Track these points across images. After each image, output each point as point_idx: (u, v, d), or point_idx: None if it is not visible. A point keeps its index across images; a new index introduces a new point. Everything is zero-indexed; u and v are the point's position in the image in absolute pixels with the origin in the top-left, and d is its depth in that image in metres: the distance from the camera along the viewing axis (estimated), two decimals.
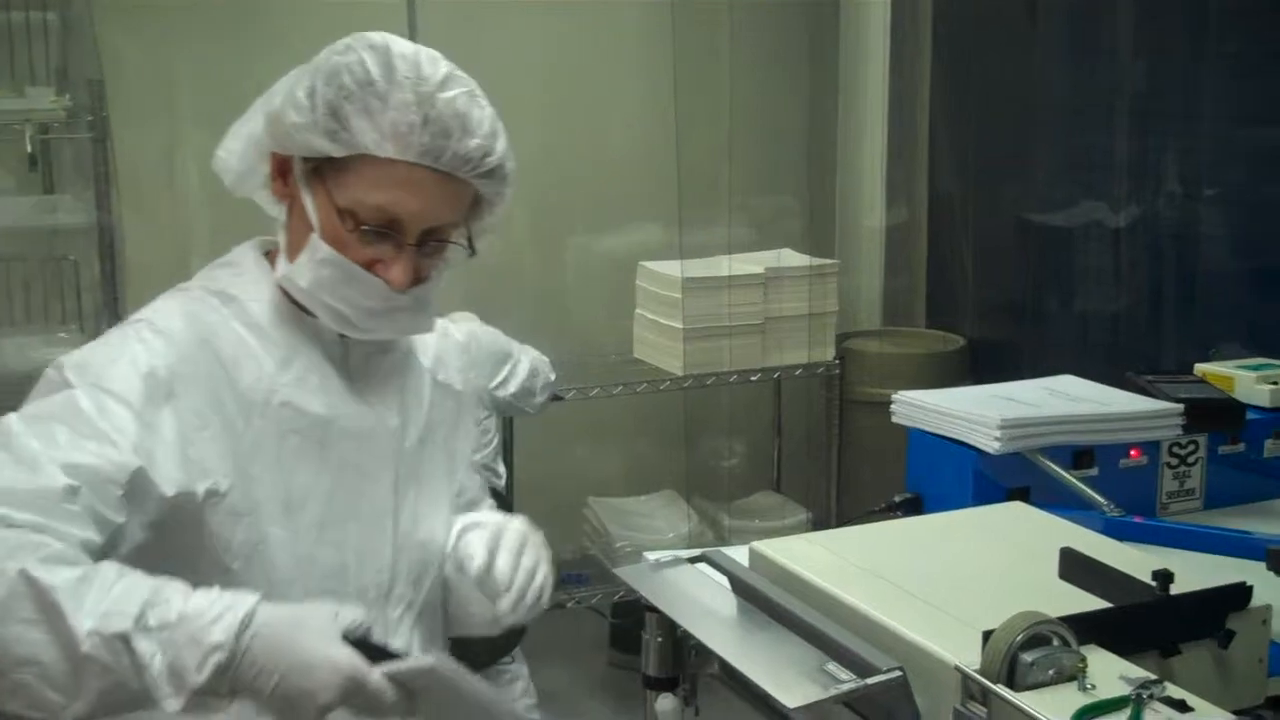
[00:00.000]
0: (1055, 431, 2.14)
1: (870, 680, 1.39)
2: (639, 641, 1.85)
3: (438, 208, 1.61)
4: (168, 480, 1.51)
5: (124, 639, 1.35)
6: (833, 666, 1.43)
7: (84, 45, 3.28)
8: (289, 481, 1.62)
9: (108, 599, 1.37)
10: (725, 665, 1.86)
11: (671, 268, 4.18)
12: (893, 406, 2.30)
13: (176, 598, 1.39)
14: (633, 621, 4.34)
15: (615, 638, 4.58)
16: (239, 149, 1.69)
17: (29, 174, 3.38)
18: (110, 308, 3.07)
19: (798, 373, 4.39)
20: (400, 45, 1.62)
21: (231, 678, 1.37)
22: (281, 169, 1.64)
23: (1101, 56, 4.15)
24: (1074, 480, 2.09)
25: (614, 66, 4.65)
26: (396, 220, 1.59)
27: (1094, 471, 2.15)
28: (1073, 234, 4.30)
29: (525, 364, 3.38)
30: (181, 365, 1.56)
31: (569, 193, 4.68)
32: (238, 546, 1.58)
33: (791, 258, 4.39)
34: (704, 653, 1.84)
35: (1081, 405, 2.23)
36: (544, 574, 1.75)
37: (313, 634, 1.40)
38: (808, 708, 1.41)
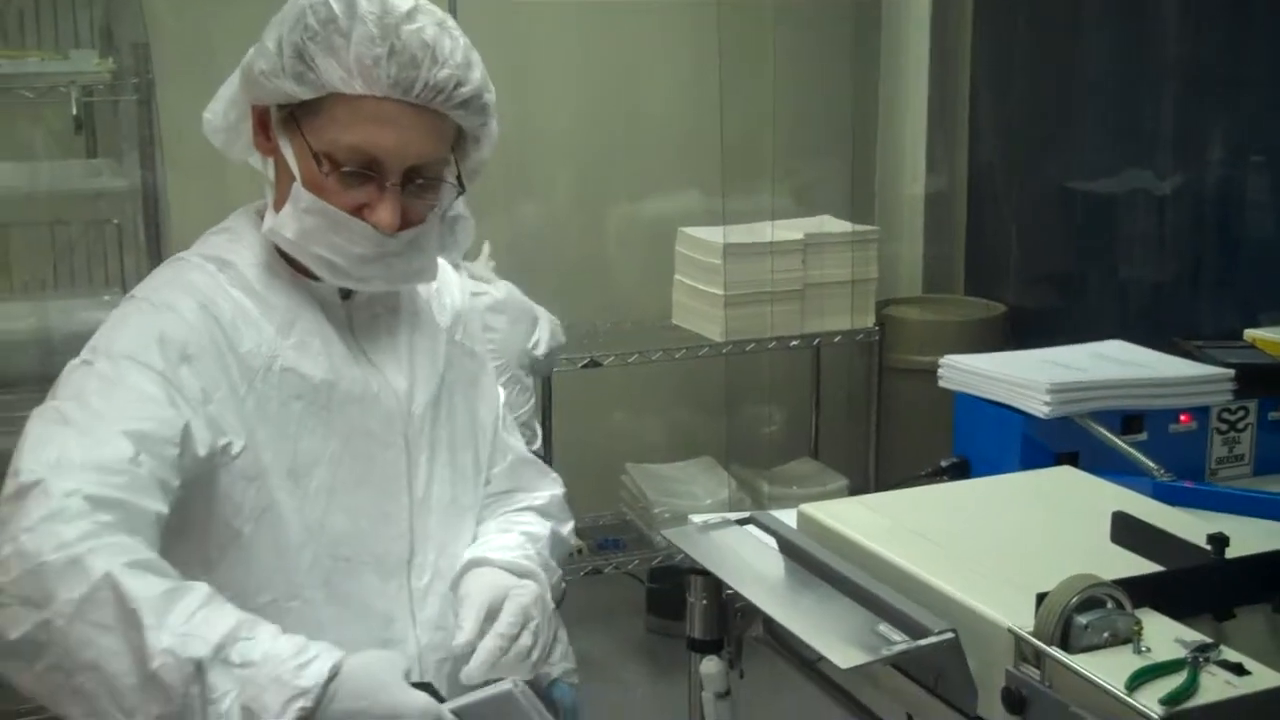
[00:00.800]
0: (1105, 396, 2.12)
1: (922, 641, 1.38)
2: (676, 606, 1.85)
3: (415, 143, 1.57)
4: (201, 439, 1.50)
5: (198, 666, 1.30)
6: (884, 628, 1.43)
7: (128, 7, 3.28)
8: (295, 448, 1.59)
9: (190, 621, 1.32)
10: (771, 627, 1.87)
11: (712, 234, 4.17)
12: (940, 370, 2.28)
13: (264, 635, 1.35)
14: (670, 586, 4.35)
15: (652, 603, 4.58)
16: (222, 109, 1.67)
17: (74, 137, 3.39)
18: None
19: (837, 339, 4.38)
20: None
21: None
22: (261, 122, 1.62)
23: (1146, 21, 4.10)
24: (1124, 445, 2.07)
25: (657, 33, 4.62)
26: (375, 160, 1.56)
27: (1143, 437, 2.14)
28: (1116, 201, 4.26)
29: (546, 325, 3.38)
30: (189, 332, 1.54)
31: (610, 159, 4.67)
32: (249, 510, 1.56)
33: (832, 224, 4.37)
34: (749, 615, 1.85)
35: (1131, 370, 2.21)
36: (536, 650, 1.63)
37: (390, 682, 1.37)
38: (860, 668, 1.41)
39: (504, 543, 1.73)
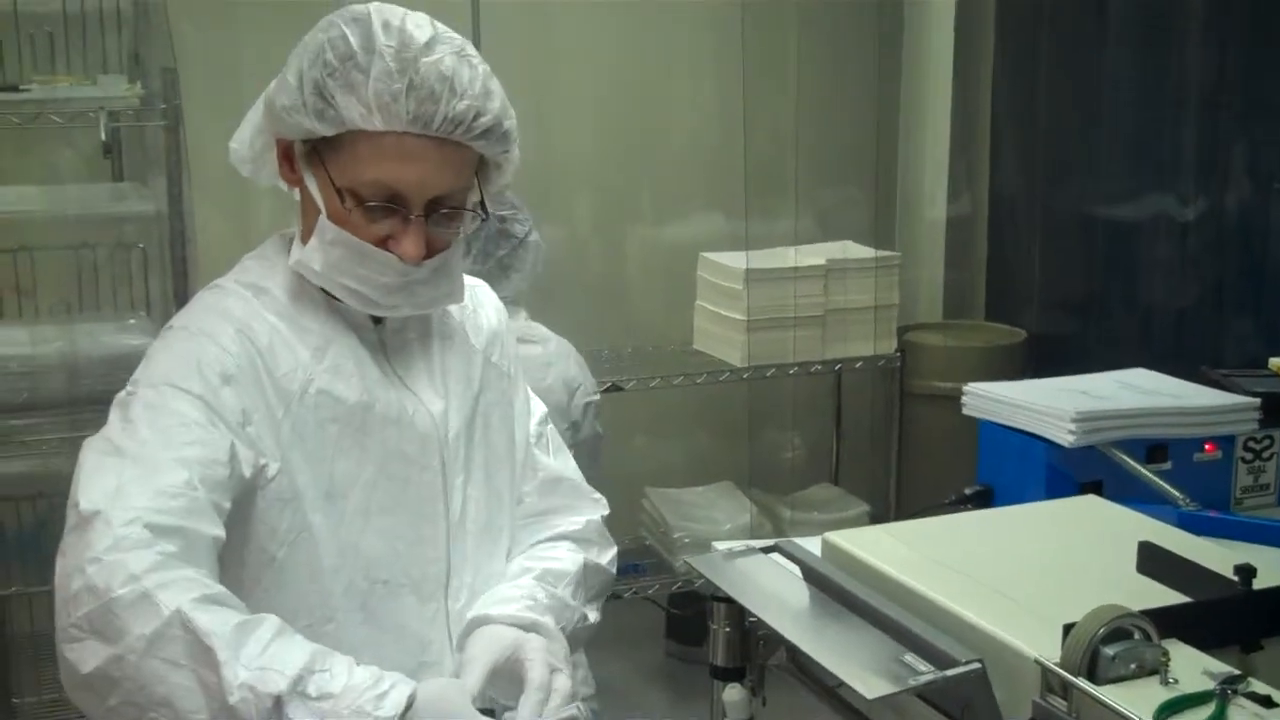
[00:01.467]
0: (1130, 425, 2.12)
1: (949, 672, 1.38)
2: (696, 632, 1.84)
3: (437, 175, 1.57)
4: (245, 459, 1.52)
5: (277, 700, 1.31)
6: (910, 658, 1.42)
7: (157, 33, 3.30)
8: (330, 470, 1.60)
9: (264, 655, 1.33)
10: (794, 655, 1.86)
11: (734, 259, 4.17)
12: (964, 398, 2.28)
13: (340, 668, 1.36)
14: (690, 612, 4.35)
15: (672, 628, 4.57)
16: (248, 138, 1.68)
17: (101, 161, 3.41)
18: (181, 295, 3.08)
19: (859, 365, 4.38)
20: (385, 13, 1.58)
21: None
22: (286, 154, 1.63)
23: (1170, 47, 4.09)
24: (1149, 474, 2.07)
25: (680, 57, 4.64)
26: (398, 193, 1.56)
27: (1167, 466, 2.13)
28: (1139, 227, 4.24)
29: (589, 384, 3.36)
30: (227, 357, 1.56)
31: (631, 182, 4.68)
32: (283, 533, 1.57)
33: (854, 250, 4.37)
34: (771, 643, 1.84)
35: (1156, 399, 2.21)
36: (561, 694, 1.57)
37: (463, 708, 1.39)
38: (886, 699, 1.41)
39: (508, 594, 1.70)
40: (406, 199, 1.57)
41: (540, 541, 1.81)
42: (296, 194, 1.66)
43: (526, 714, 1.53)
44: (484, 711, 1.42)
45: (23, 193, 3.44)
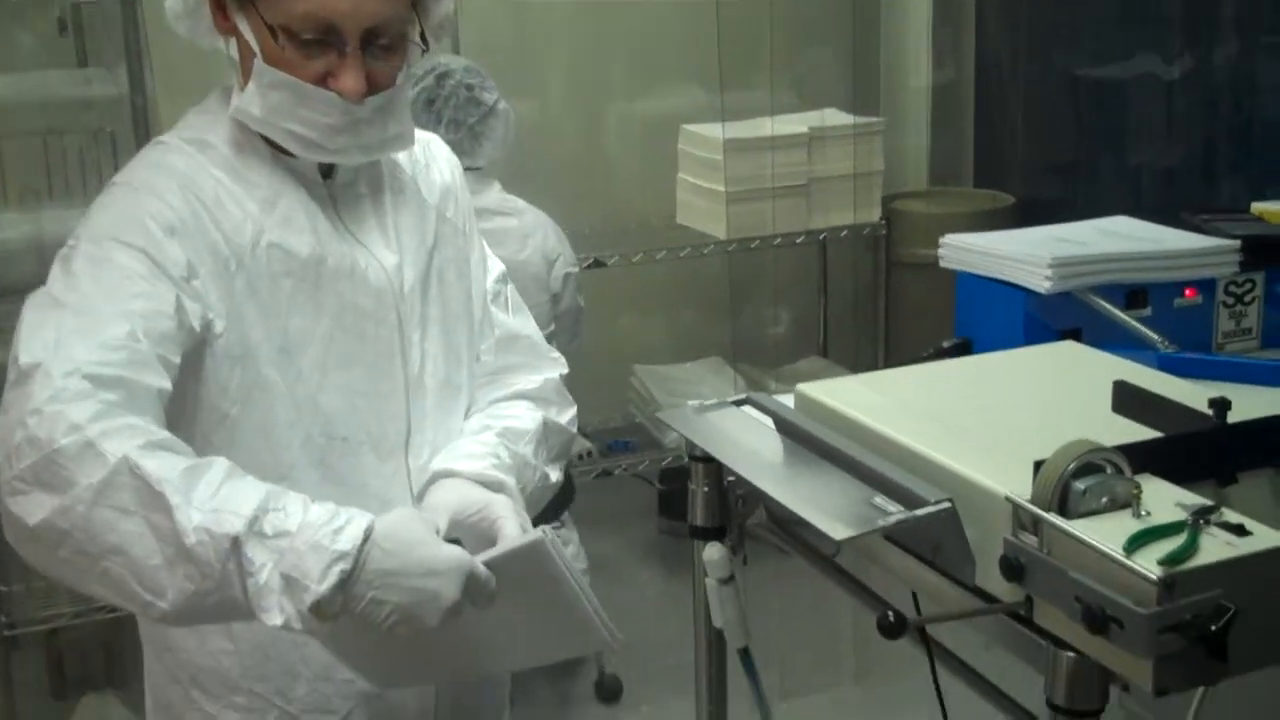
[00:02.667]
0: (1108, 270, 2.08)
1: (918, 512, 1.36)
2: (687, 507, 1.83)
3: (370, 3, 1.52)
4: (192, 311, 1.49)
5: (234, 541, 1.29)
6: (880, 500, 1.41)
7: None
8: (285, 325, 1.57)
9: (217, 497, 1.31)
10: (772, 511, 1.85)
11: (715, 130, 4.12)
12: (940, 250, 2.24)
13: (295, 506, 1.33)
14: (681, 488, 4.35)
15: (664, 504, 4.59)
16: None
17: (60, 41, 3.34)
18: None
19: (843, 234, 4.34)
20: None
21: (347, 594, 1.31)
22: (218, 1, 1.58)
23: None
24: (1127, 319, 2.04)
25: None
26: (331, 25, 1.52)
27: (1147, 312, 2.10)
28: (1125, 87, 4.19)
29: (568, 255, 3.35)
30: (170, 212, 1.53)
31: (607, 56, 4.60)
32: (235, 390, 1.55)
33: (835, 117, 4.31)
34: (751, 501, 1.83)
35: (1135, 243, 2.17)
36: None
37: (423, 539, 1.36)
38: (856, 540, 1.39)
39: (472, 449, 1.67)
40: (340, 30, 1.53)
41: (498, 400, 1.79)
42: (232, 45, 1.60)
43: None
44: (450, 542, 1.40)
45: None
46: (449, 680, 1.71)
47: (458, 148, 2.99)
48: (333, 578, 1.29)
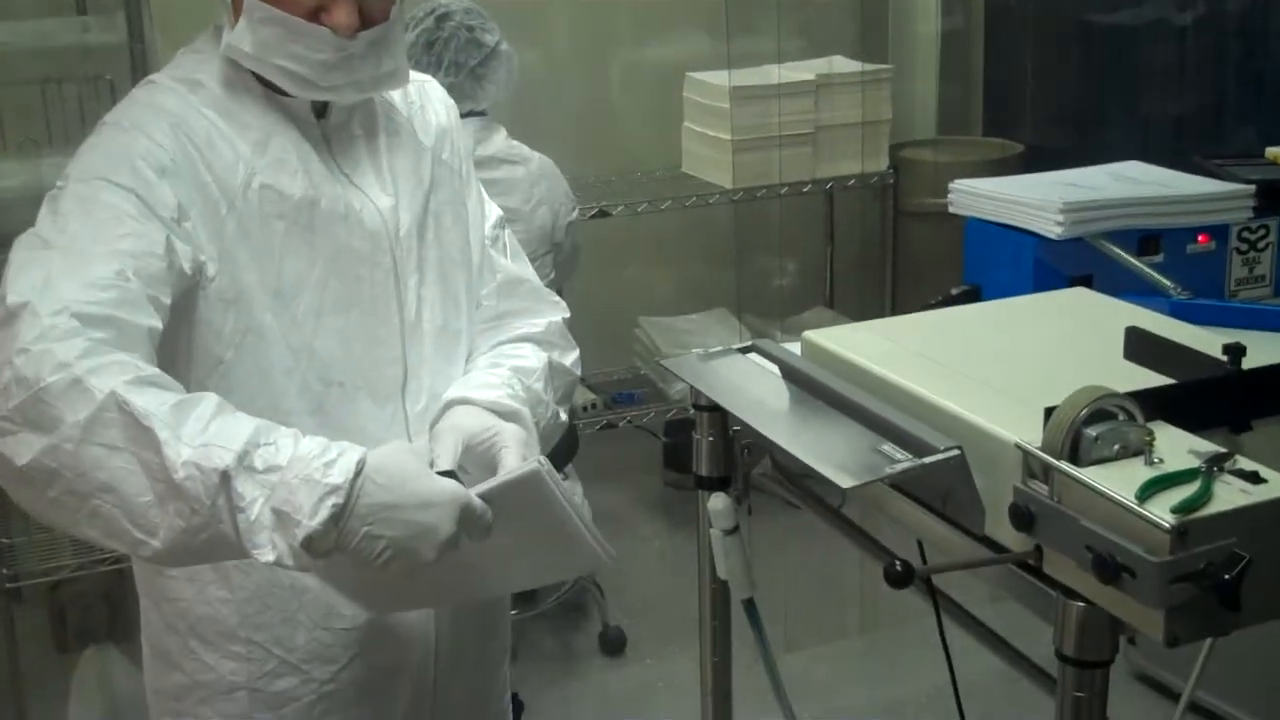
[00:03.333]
0: (1120, 215, 2.05)
1: (927, 460, 1.34)
2: (692, 459, 1.81)
3: None
4: (183, 253, 1.47)
5: (223, 476, 1.27)
6: (888, 447, 1.39)
7: None
8: (279, 268, 1.55)
9: (206, 432, 1.29)
10: (778, 461, 1.83)
11: (720, 78, 4.07)
12: (950, 196, 2.22)
13: (286, 441, 1.31)
14: (686, 440, 4.33)
15: (669, 457, 4.58)
16: None
17: None
18: None
19: (850, 183, 4.30)
20: None
21: (340, 529, 1.28)
22: None
23: None
24: (1140, 265, 2.01)
25: None
26: None
27: (1160, 258, 2.07)
28: (1137, 33, 4.14)
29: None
30: (160, 152, 1.50)
31: (612, 2, 4.54)
32: (229, 335, 1.53)
33: (843, 64, 4.26)
34: (756, 451, 1.81)
35: (1148, 188, 2.14)
36: None
37: (417, 471, 1.34)
38: (863, 489, 1.37)
39: (487, 379, 1.66)
40: None
41: (502, 342, 1.77)
42: None
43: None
44: (444, 474, 1.38)
45: None
46: (447, 606, 1.70)
47: (458, 90, 2.97)
48: (325, 512, 1.27)
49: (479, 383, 1.65)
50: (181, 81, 1.58)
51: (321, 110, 1.63)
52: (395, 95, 1.73)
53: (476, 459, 1.53)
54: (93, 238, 1.41)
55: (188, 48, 1.65)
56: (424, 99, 1.77)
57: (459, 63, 3.05)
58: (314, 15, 1.52)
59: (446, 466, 1.50)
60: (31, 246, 1.42)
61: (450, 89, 2.94)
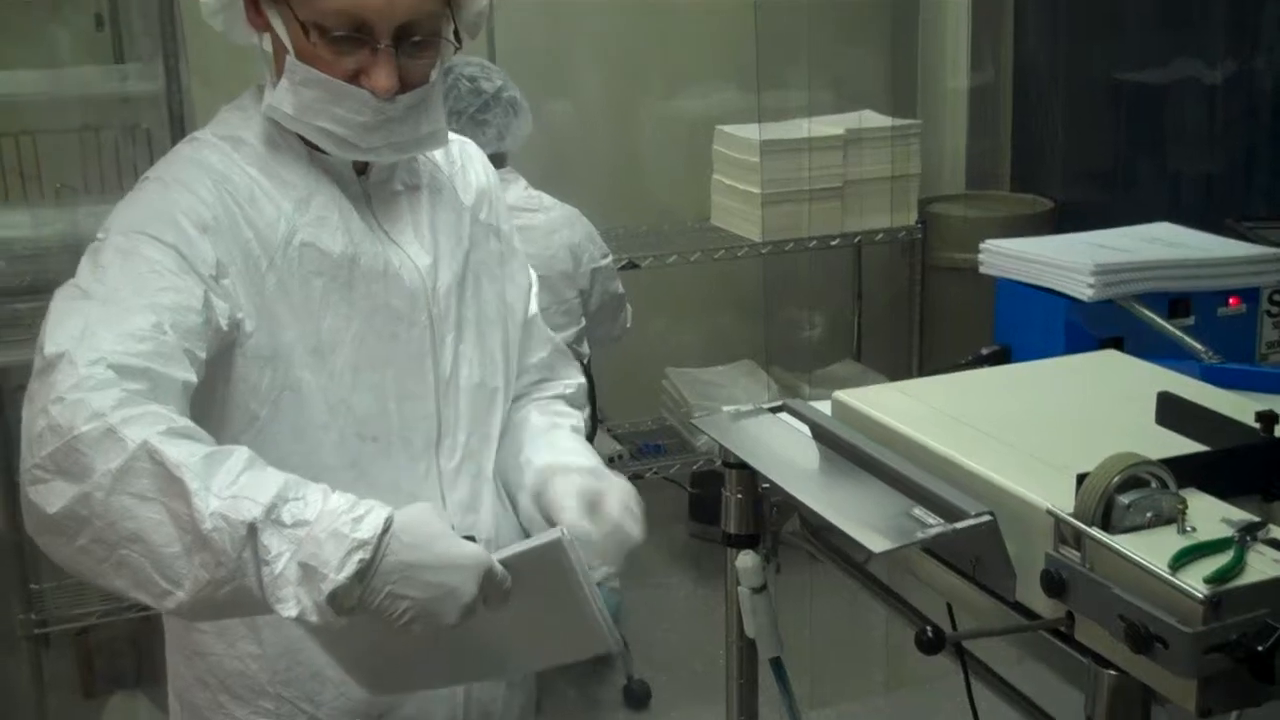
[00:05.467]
0: (1151, 278, 2.05)
1: (958, 525, 1.34)
2: (718, 512, 1.81)
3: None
4: (220, 310, 1.48)
5: (250, 528, 1.26)
6: (919, 512, 1.39)
7: None
8: (317, 325, 1.57)
9: (236, 484, 1.29)
10: (806, 520, 1.83)
11: (750, 131, 4.09)
12: (981, 256, 2.22)
13: (314, 496, 1.30)
14: (712, 492, 4.33)
15: (694, 508, 4.57)
16: None
17: (97, 37, 3.34)
18: None
19: (879, 238, 4.31)
20: None
21: (365, 586, 1.27)
22: None
23: None
24: (1170, 328, 2.01)
25: None
26: (363, 21, 1.51)
27: (1190, 321, 2.07)
28: (1166, 91, 4.15)
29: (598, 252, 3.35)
30: (203, 208, 1.52)
31: (643, 55, 4.58)
32: (265, 391, 1.54)
33: (872, 119, 4.28)
34: (785, 509, 1.81)
35: (1179, 251, 2.14)
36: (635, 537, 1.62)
37: (442, 532, 1.33)
38: (893, 553, 1.37)
39: (573, 446, 1.72)
40: (373, 27, 1.52)
41: (543, 399, 1.83)
42: (266, 41, 1.59)
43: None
44: (465, 538, 1.38)
45: (21, 76, 3.38)
46: (447, 685, 1.69)
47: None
48: (351, 566, 1.26)
49: (567, 448, 1.71)
50: (225, 139, 1.61)
51: (363, 168, 1.65)
52: (438, 154, 1.75)
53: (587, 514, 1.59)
54: (132, 290, 1.42)
55: (230, 105, 1.67)
56: (464, 159, 1.80)
57: (459, 110, 3.08)
58: (354, 77, 1.53)
59: (575, 518, 1.56)
60: (71, 297, 1.44)
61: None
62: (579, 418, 1.83)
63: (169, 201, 1.52)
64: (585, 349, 3.31)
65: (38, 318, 3.03)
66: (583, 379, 1.91)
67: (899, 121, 4.25)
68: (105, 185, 3.41)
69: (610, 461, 4.13)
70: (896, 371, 4.51)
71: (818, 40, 4.21)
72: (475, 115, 3.10)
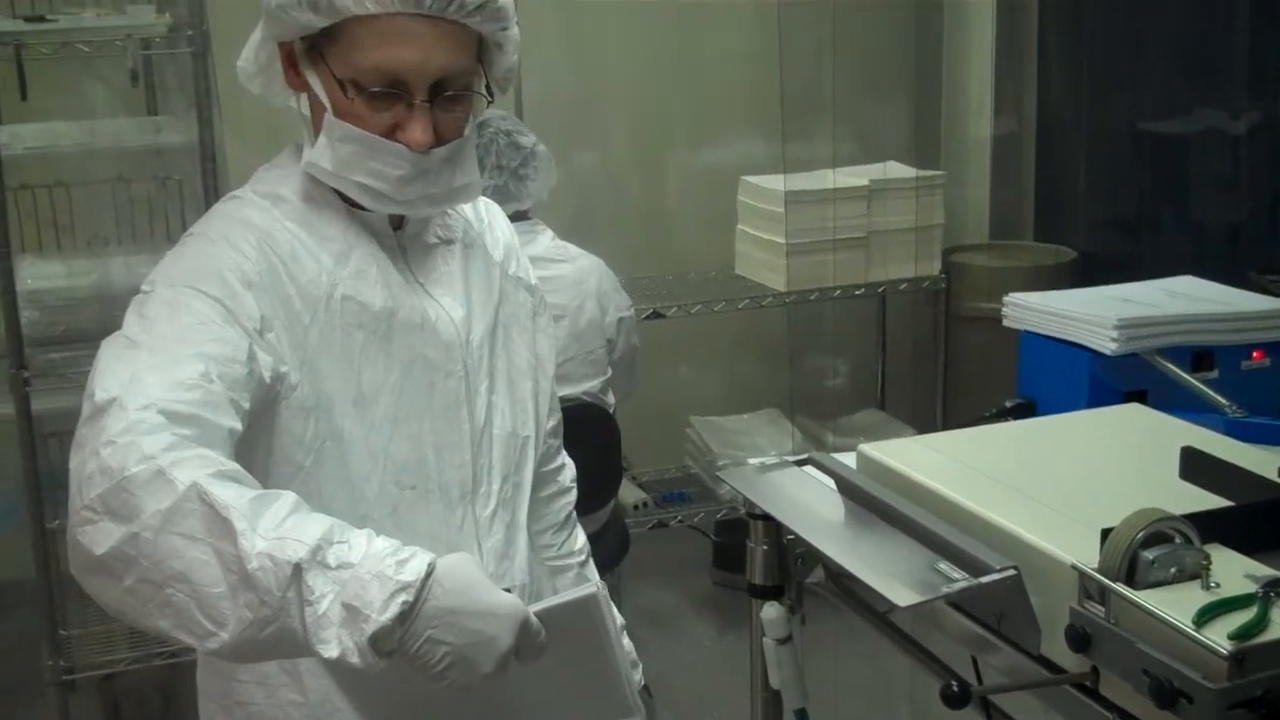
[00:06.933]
0: (1174, 332, 2.06)
1: (984, 579, 1.35)
2: (742, 560, 1.82)
3: (436, 55, 1.56)
4: (264, 363, 1.51)
5: (296, 569, 1.27)
6: (945, 566, 1.40)
7: None
8: (358, 377, 1.61)
9: (282, 526, 1.30)
10: (831, 572, 1.84)
11: (774, 181, 4.12)
12: (1004, 309, 2.23)
13: (359, 539, 1.31)
14: (736, 540, 4.33)
15: (718, 556, 4.56)
16: (252, 54, 1.67)
17: (131, 90, 3.40)
18: None
19: (902, 287, 4.32)
20: None
21: (405, 629, 1.27)
22: (289, 58, 1.63)
23: None
24: (1194, 382, 2.01)
25: None
26: (398, 78, 1.55)
27: (1214, 374, 2.08)
28: (1190, 141, 4.16)
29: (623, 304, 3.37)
30: (247, 263, 1.56)
31: (669, 107, 4.63)
32: (309, 442, 1.57)
33: (896, 170, 4.30)
34: (810, 560, 1.82)
35: (1202, 305, 2.15)
36: None
37: (482, 581, 1.33)
38: (919, 607, 1.38)
39: None
40: (408, 83, 1.56)
41: (552, 495, 1.94)
42: (304, 101, 1.63)
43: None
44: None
45: (56, 128, 3.44)
46: None
47: (503, 192, 3.04)
48: (394, 608, 1.26)
49: None
50: (265, 196, 1.65)
51: (398, 221, 1.69)
52: (468, 210, 1.80)
53: None
54: (179, 339, 1.45)
55: (268, 164, 1.71)
56: (490, 216, 1.85)
57: (501, 165, 3.11)
58: (390, 132, 1.57)
59: None
60: (119, 346, 1.46)
61: (495, 191, 3.00)
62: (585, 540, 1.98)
63: (213, 257, 1.55)
64: (610, 399, 3.33)
65: (71, 367, 3.10)
66: (569, 460, 1.99)
67: (923, 172, 4.28)
68: (137, 236, 3.45)
69: (635, 509, 4.16)
70: (920, 420, 4.51)
71: (842, 92, 4.24)
72: (518, 170, 3.13)
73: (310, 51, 1.60)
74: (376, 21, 1.54)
